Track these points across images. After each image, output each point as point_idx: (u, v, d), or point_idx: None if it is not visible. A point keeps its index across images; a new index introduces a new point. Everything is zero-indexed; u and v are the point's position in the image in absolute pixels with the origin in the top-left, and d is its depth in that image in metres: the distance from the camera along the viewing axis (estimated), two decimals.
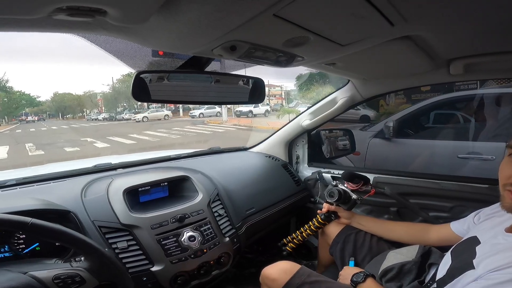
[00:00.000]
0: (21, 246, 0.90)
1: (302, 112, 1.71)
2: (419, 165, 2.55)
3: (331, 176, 1.48)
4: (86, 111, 34.21)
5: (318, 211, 1.33)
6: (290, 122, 1.78)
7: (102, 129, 16.56)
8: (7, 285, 0.63)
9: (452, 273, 0.74)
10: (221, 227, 1.18)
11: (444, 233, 1.05)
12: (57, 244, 0.93)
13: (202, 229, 1.10)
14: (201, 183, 1.24)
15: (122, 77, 31.68)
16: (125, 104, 31.67)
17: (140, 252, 0.98)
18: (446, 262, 0.81)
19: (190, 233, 1.06)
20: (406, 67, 1.07)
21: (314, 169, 1.72)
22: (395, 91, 1.36)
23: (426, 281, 0.90)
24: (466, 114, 2.82)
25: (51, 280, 0.67)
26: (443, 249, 0.99)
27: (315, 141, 1.72)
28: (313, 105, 1.66)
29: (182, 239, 1.04)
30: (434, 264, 0.94)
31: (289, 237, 1.43)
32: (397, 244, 1.17)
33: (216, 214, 1.19)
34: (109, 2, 0.38)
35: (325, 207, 1.30)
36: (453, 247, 0.85)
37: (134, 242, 0.98)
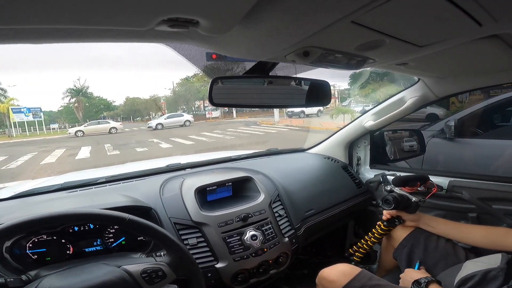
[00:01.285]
0: (110, 240, 1.01)
1: (363, 113, 1.64)
2: (484, 167, 2.24)
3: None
4: (151, 114, 37.67)
5: (382, 217, 1.26)
6: (350, 123, 1.72)
7: (165, 130, 18.02)
8: (106, 278, 0.68)
9: None
10: (281, 227, 1.19)
11: None
12: (138, 238, 1.03)
13: (263, 228, 1.13)
14: (263, 184, 1.27)
15: (181, 81, 34.21)
16: (184, 107, 34.08)
17: (207, 249, 1.04)
18: None
19: (253, 232, 1.09)
20: (491, 65, 0.96)
21: (377, 171, 1.63)
22: (477, 89, 1.22)
23: None
24: None
25: (139, 274, 0.71)
26: None
27: (378, 142, 1.63)
28: (376, 106, 1.57)
29: (245, 238, 1.07)
30: None
31: (354, 247, 1.39)
32: (476, 251, 1.06)
33: (276, 214, 1.21)
34: (202, 14, 0.42)
35: (386, 213, 1.23)
36: None
37: (202, 239, 1.04)
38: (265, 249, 1.10)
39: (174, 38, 0.53)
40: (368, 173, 1.68)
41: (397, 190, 1.20)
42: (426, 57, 0.77)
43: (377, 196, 1.61)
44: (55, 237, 0.94)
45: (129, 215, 0.73)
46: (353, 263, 1.35)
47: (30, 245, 0.91)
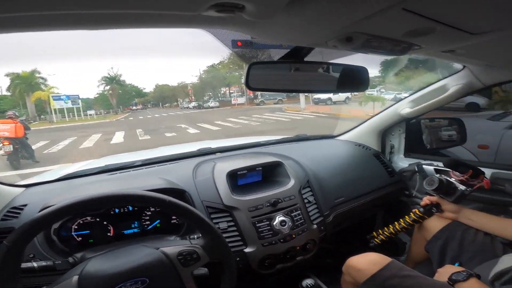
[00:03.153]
0: (147, 223, 1.03)
1: (398, 101, 1.57)
2: None
3: (434, 169, 1.33)
4: (179, 100, 38.62)
5: (421, 203, 1.22)
6: (384, 110, 1.65)
7: (192, 116, 18.42)
8: (146, 260, 0.70)
9: None
10: (310, 214, 1.19)
11: None
12: (172, 221, 1.06)
13: (292, 214, 1.12)
14: (293, 169, 1.26)
15: (207, 68, 34.59)
16: (210, 93, 34.54)
17: (237, 233, 1.05)
18: None
19: (282, 218, 1.09)
20: None
21: (411, 160, 1.57)
22: None
23: None
24: None
25: (175, 256, 0.73)
26: None
27: (414, 131, 1.55)
28: (414, 93, 1.49)
29: (274, 223, 1.08)
30: None
31: (379, 230, 1.36)
32: None
33: (306, 200, 1.20)
34: None
35: (425, 199, 1.19)
36: None
37: (233, 223, 1.06)
38: (294, 235, 1.10)
39: (218, 24, 0.52)
40: (402, 162, 1.62)
41: (445, 177, 1.16)
42: (477, 45, 0.71)
43: (411, 186, 1.55)
44: (98, 219, 0.98)
45: (169, 197, 0.74)
46: (372, 245, 1.33)
47: (76, 227, 0.96)
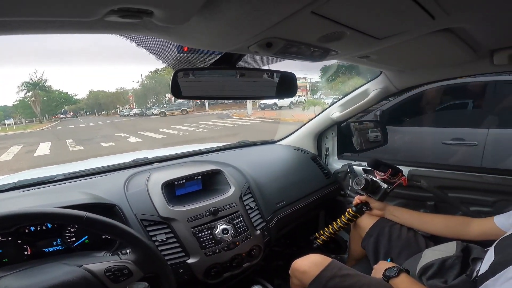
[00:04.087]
0: (72, 239, 0.96)
1: (331, 105, 1.68)
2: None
3: (363, 169, 1.45)
4: (118, 107, 35.92)
5: (352, 203, 1.31)
6: (318, 114, 1.75)
7: (133, 124, 17.32)
8: (65, 278, 0.65)
9: (495, 268, 0.71)
10: (252, 220, 1.19)
11: (487, 227, 0.99)
12: (103, 237, 0.99)
13: (234, 222, 1.12)
14: (233, 177, 1.26)
15: (150, 74, 32.95)
16: (154, 100, 32.90)
17: (177, 244, 1.01)
18: (489, 258, 0.77)
19: (224, 226, 1.08)
20: (446, 58, 1.02)
21: (344, 162, 1.69)
22: (433, 82, 1.29)
23: (474, 275, 0.86)
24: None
25: (103, 272, 0.70)
26: (483, 244, 0.95)
27: (345, 133, 1.68)
28: (342, 97, 1.62)
29: (216, 232, 1.06)
30: (477, 259, 0.90)
31: (321, 230, 1.42)
32: (435, 239, 1.13)
33: (247, 207, 1.21)
34: (155, 4, 0.40)
35: (356, 199, 1.29)
36: (496, 242, 0.81)
37: (172, 235, 1.02)
38: (237, 243, 1.09)
39: (128, 29, 0.50)
40: (336, 164, 1.73)
41: (370, 177, 1.26)
42: (386, 50, 0.79)
43: (345, 186, 1.67)
44: (10, 238, 0.89)
45: (87, 213, 0.70)
46: (315, 245, 1.39)
47: None
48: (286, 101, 18.14)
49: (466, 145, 2.32)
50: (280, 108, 18.43)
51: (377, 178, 1.27)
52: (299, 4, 0.45)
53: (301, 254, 1.07)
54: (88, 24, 0.45)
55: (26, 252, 0.90)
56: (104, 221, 0.71)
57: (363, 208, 1.27)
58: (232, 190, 1.19)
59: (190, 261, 1.01)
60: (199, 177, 1.21)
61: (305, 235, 1.57)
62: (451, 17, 0.58)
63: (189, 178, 1.18)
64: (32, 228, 0.92)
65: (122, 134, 12.09)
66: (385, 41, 0.69)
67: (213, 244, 1.05)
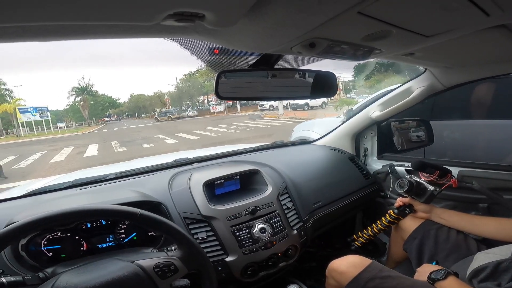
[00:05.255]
0: (122, 236, 1.02)
1: (370, 104, 1.62)
2: None
3: (406, 169, 1.38)
4: (156, 110, 37.81)
5: (394, 205, 1.26)
6: (356, 114, 1.70)
7: (170, 126, 18.11)
8: (120, 274, 0.69)
9: None
10: (289, 219, 1.19)
11: None
12: (149, 234, 1.04)
13: (272, 221, 1.13)
14: (270, 176, 1.27)
15: (184, 77, 34.24)
16: (188, 102, 34.15)
17: (217, 243, 1.04)
18: None
19: (261, 225, 1.09)
20: (499, 54, 0.95)
21: (385, 162, 1.62)
22: (485, 79, 1.19)
23: None
24: None
25: (152, 268, 0.72)
26: None
27: (385, 133, 1.61)
28: (382, 96, 1.56)
29: (254, 231, 1.07)
30: None
31: (359, 232, 1.38)
32: (487, 242, 1.05)
33: (284, 207, 1.21)
34: (208, 7, 0.41)
35: (399, 201, 1.23)
36: None
37: (212, 233, 1.04)
38: (274, 242, 1.10)
39: (179, 33, 0.52)
40: (376, 164, 1.67)
41: (415, 178, 1.20)
42: (433, 47, 0.75)
43: (385, 187, 1.60)
44: (69, 234, 0.95)
45: (141, 210, 0.73)
46: (353, 248, 1.36)
47: (45, 242, 0.93)
48: (318, 101, 17.80)
49: None
50: (312, 108, 18.14)
51: (422, 179, 1.20)
52: (346, 5, 0.45)
53: (337, 255, 1.05)
54: (146, 28, 0.48)
55: (82, 248, 0.96)
56: (155, 218, 0.74)
57: (406, 210, 1.21)
58: (269, 189, 1.19)
59: (228, 259, 1.03)
60: (237, 177, 1.23)
61: (341, 237, 1.53)
62: (506, 14, 0.54)
63: (228, 178, 1.21)
64: (89, 225, 0.98)
65: (160, 136, 12.70)
66: (434, 39, 0.65)
67: (250, 243, 1.06)
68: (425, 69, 1.30)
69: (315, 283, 1.43)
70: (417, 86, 1.36)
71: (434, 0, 0.48)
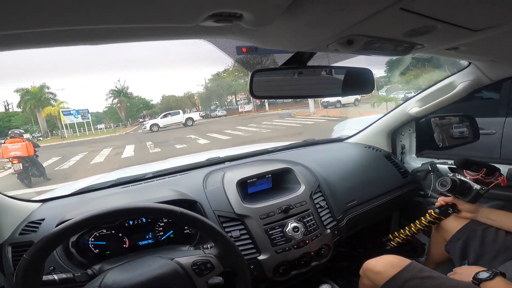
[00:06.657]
0: (160, 233, 1.05)
1: (407, 100, 1.55)
2: None
3: (449, 167, 1.30)
4: (187, 110, 38.98)
5: (435, 204, 1.19)
6: (391, 110, 1.63)
7: (201, 126, 18.52)
8: (161, 271, 0.71)
9: None
10: (323, 218, 1.18)
11: None
12: (185, 231, 1.07)
13: (305, 220, 1.12)
14: (303, 175, 1.26)
15: (212, 77, 34.84)
16: (217, 102, 34.75)
17: (250, 241, 1.05)
18: None
19: (294, 224, 1.08)
20: None
21: (424, 160, 1.54)
22: None
23: None
24: None
25: (190, 266, 0.74)
26: None
27: (424, 130, 1.53)
28: (420, 92, 1.48)
29: (286, 230, 1.07)
30: None
31: (395, 232, 1.33)
32: None
33: (317, 205, 1.19)
34: (246, 7, 0.42)
35: (441, 200, 1.17)
36: None
37: (245, 231, 1.05)
38: (307, 241, 1.09)
39: (216, 33, 0.53)
40: (415, 162, 1.59)
41: (459, 176, 1.14)
42: (480, 41, 0.70)
43: (425, 186, 1.52)
44: (113, 231, 1.01)
45: (181, 209, 0.75)
46: (388, 247, 1.31)
47: (92, 239, 0.98)
48: (350, 98, 17.19)
49: None
50: (344, 105, 17.59)
51: (467, 178, 1.12)
52: (388, 1, 0.43)
53: (370, 255, 1.03)
54: (185, 30, 0.49)
55: (124, 245, 1.01)
56: (194, 216, 0.76)
57: (448, 210, 1.15)
58: (302, 188, 1.19)
59: (261, 257, 1.03)
60: (270, 175, 1.24)
61: (375, 237, 1.48)
62: None
63: (260, 177, 1.22)
64: (131, 222, 1.02)
65: (192, 136, 12.99)
66: (482, 33, 0.61)
67: (283, 242, 1.06)
68: (469, 63, 1.22)
69: (345, 283, 1.40)
70: (460, 81, 1.28)
71: None
